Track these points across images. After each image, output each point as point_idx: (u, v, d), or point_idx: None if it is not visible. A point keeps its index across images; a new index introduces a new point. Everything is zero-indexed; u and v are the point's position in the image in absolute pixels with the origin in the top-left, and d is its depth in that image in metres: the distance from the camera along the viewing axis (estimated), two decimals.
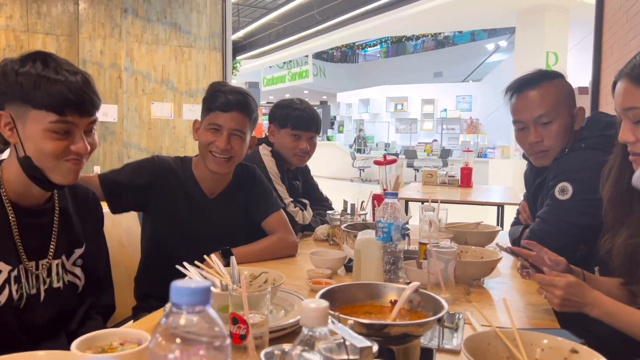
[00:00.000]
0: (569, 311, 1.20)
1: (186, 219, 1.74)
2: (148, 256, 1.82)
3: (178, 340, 0.44)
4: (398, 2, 10.96)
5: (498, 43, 17.52)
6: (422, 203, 4.53)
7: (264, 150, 2.26)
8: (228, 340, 0.47)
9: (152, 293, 1.73)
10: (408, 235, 1.74)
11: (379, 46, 24.57)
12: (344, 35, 14.21)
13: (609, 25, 4.48)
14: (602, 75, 4.57)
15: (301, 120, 2.27)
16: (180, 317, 0.45)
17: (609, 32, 4.48)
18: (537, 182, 1.80)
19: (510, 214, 4.00)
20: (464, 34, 20.31)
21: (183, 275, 1.13)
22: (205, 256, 1.21)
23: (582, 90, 4.55)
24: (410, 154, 14.02)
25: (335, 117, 21.70)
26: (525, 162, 1.93)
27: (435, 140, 15.29)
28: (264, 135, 2.41)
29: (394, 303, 1.02)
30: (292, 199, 2.21)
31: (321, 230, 2.17)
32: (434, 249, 1.39)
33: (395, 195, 1.42)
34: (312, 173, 2.60)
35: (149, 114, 5.95)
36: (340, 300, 1.02)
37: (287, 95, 24.17)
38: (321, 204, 2.48)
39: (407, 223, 1.76)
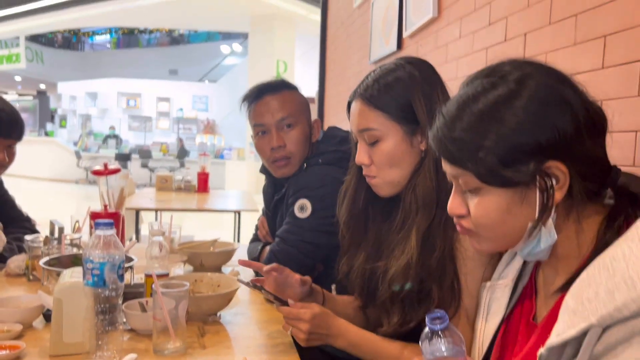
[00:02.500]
0: (315, 344, 1.13)
1: None
2: None
3: None
4: None
5: (232, 46, 17.98)
6: (156, 213, 4.21)
7: None
8: None
9: None
10: (131, 267, 1.43)
11: (108, 35, 22.70)
12: (66, 19, 12.62)
13: (331, 41, 4.87)
14: (326, 86, 4.95)
15: None
16: None
17: (331, 46, 4.87)
18: (275, 198, 1.71)
19: (246, 221, 4.02)
20: (200, 34, 20.25)
21: None
22: None
23: (309, 100, 4.86)
24: (145, 153, 13.26)
25: (56, 109, 19.19)
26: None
27: (180, 140, 14.61)
28: None
29: None
30: None
31: (16, 262, 1.67)
32: (162, 288, 1.14)
33: (109, 225, 1.10)
34: (28, 174, 2.03)
35: None
36: None
37: None
38: (20, 225, 1.95)
39: (130, 259, 1.45)
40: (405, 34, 2.74)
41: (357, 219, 1.26)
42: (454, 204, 0.83)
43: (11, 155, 1.83)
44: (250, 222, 2.57)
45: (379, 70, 1.17)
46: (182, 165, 12.52)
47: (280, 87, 1.66)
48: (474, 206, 0.80)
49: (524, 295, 0.88)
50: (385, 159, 1.13)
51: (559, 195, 0.74)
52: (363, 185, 1.22)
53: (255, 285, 1.21)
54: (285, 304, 1.15)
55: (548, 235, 0.76)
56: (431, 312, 0.85)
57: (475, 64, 1.94)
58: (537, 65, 0.79)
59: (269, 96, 1.64)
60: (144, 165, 12.89)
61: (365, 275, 1.23)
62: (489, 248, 0.85)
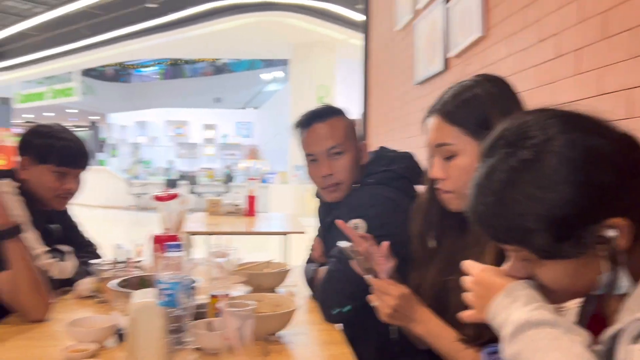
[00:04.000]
0: (396, 324, 1.19)
1: None
2: None
3: None
4: (175, 24, 10.63)
5: (273, 73, 18.36)
6: (206, 237, 4.30)
7: (5, 188, 1.74)
8: None
9: None
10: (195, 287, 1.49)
11: (155, 67, 23.61)
12: (116, 53, 13.23)
13: (374, 64, 4.92)
14: (369, 109, 4.99)
15: (68, 153, 1.80)
16: None
17: (374, 69, 4.92)
18: (327, 219, 1.73)
19: (293, 243, 4.05)
20: (242, 62, 20.79)
21: None
22: None
23: None
24: (192, 179, 13.60)
25: (105, 139, 19.98)
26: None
27: (229, 167, 14.86)
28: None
29: None
30: (46, 248, 1.74)
31: (84, 284, 1.75)
32: (229, 307, 1.18)
33: (178, 247, 1.16)
34: (82, 201, 2.11)
35: None
36: None
37: (49, 114, 21.36)
38: (85, 250, 2.03)
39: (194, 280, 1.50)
40: (450, 54, 2.75)
41: (430, 232, 1.27)
42: (513, 272, 0.81)
43: (79, 185, 1.92)
44: (298, 244, 2.59)
45: (457, 87, 1.19)
46: (227, 190, 12.76)
47: (328, 114, 1.69)
48: (538, 275, 0.78)
49: (594, 319, 0.86)
50: (461, 174, 1.13)
51: (623, 243, 0.70)
52: (437, 199, 1.23)
53: (354, 250, 1.25)
54: (377, 277, 1.21)
55: (622, 281, 0.73)
56: (488, 346, 0.85)
57: (525, 82, 1.93)
58: (558, 121, 0.73)
59: (318, 124, 1.67)
60: (191, 191, 13.21)
61: (437, 288, 1.23)
62: (563, 301, 0.84)
